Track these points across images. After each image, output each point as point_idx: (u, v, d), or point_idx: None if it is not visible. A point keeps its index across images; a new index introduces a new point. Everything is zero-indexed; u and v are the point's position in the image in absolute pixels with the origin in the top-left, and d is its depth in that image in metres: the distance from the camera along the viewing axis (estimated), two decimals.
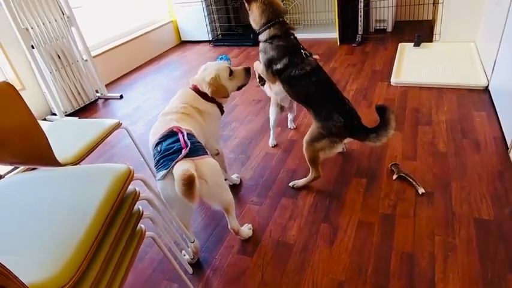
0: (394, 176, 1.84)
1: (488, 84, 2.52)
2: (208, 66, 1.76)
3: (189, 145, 1.33)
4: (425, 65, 2.99)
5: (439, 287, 1.30)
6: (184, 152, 1.30)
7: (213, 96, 1.70)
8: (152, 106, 3.11)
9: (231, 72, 1.75)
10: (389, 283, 1.34)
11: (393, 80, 2.81)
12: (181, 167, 1.19)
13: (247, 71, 1.82)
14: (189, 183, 1.13)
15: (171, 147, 1.35)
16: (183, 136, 1.38)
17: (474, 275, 1.32)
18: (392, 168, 1.89)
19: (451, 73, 2.78)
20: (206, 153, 1.40)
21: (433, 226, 1.54)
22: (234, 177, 1.99)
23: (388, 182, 1.83)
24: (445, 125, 2.20)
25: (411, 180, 1.78)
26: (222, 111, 1.80)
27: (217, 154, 1.81)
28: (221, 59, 3.54)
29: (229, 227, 1.57)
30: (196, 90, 1.70)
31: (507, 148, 1.91)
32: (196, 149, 1.35)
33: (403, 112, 2.41)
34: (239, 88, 1.83)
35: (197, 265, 1.54)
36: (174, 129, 1.44)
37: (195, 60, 4.08)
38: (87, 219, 0.88)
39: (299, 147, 2.14)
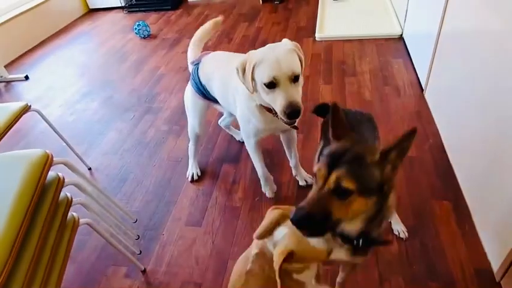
0: None
1: (402, 33, 2.69)
2: None
3: None
4: (345, 18, 3.08)
5: None
6: None
7: None
8: (67, 84, 2.78)
9: None
10: None
11: (317, 36, 2.85)
12: None
13: None
14: None
15: None
16: None
17: (404, 204, 1.47)
18: None
19: (369, 24, 2.91)
20: None
21: None
22: None
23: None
24: (368, 75, 2.32)
25: None
26: None
27: None
28: (138, 25, 3.25)
29: None
30: None
31: (422, 90, 2.09)
32: None
33: (329, 66, 2.48)
34: None
35: (144, 244, 1.47)
36: None
37: (108, 30, 3.70)
38: (3, 215, 0.75)
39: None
